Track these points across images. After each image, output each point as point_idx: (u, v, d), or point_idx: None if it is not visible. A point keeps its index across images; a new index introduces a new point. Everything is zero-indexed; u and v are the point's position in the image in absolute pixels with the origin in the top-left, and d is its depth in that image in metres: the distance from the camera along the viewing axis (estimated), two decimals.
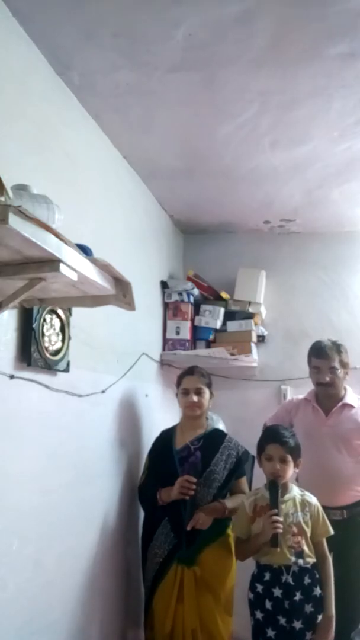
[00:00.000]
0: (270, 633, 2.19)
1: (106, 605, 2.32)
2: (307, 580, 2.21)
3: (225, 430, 2.77)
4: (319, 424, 2.73)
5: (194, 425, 2.62)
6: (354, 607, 2.52)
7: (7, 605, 1.60)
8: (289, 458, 2.29)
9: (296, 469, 2.33)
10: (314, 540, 2.27)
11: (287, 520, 2.25)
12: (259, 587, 2.25)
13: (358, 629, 2.60)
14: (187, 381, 2.62)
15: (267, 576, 2.23)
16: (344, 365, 2.76)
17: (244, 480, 2.59)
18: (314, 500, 2.31)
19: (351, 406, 2.76)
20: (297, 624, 2.17)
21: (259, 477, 2.52)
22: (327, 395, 2.78)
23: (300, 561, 2.21)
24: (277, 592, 2.20)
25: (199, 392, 2.58)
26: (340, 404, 2.76)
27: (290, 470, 2.30)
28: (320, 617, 2.20)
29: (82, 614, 2.07)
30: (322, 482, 2.46)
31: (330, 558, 2.28)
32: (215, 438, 2.60)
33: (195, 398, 2.56)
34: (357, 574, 2.53)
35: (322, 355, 2.74)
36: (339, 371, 2.73)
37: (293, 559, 2.21)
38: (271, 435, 2.36)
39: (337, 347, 2.76)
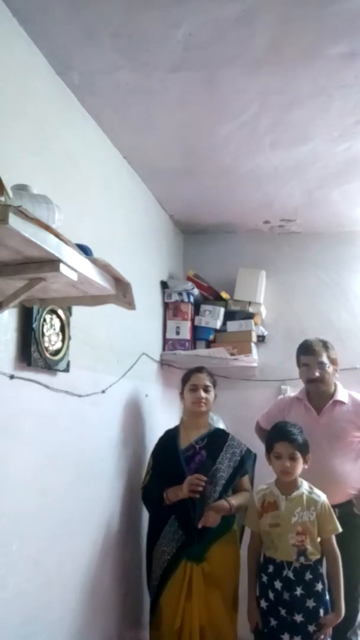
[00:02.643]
0: (273, 622, 2.25)
1: (106, 605, 2.32)
2: (308, 576, 2.23)
3: (226, 430, 2.78)
4: (311, 423, 2.72)
5: (197, 424, 2.63)
6: (350, 606, 2.52)
7: (7, 605, 1.60)
8: (298, 455, 2.31)
9: (305, 465, 2.34)
10: (321, 537, 2.28)
11: (293, 519, 2.26)
12: (264, 577, 2.31)
13: (354, 627, 2.61)
14: (196, 378, 2.64)
15: (271, 568, 2.28)
16: (333, 361, 2.77)
17: (246, 479, 2.61)
18: (321, 498, 2.32)
19: (342, 403, 2.75)
20: (298, 617, 2.21)
21: (262, 475, 2.54)
22: (318, 393, 2.77)
23: (302, 558, 2.23)
24: (278, 584, 2.24)
25: (206, 390, 2.61)
26: (331, 401, 2.75)
27: (300, 467, 2.32)
28: (322, 611, 2.23)
29: (82, 614, 2.07)
30: (315, 480, 2.45)
31: (339, 555, 2.29)
32: (218, 437, 2.61)
33: (203, 394, 2.59)
34: (351, 572, 2.53)
35: (310, 352, 2.75)
36: (328, 366, 2.73)
37: (295, 556, 2.22)
38: (279, 433, 2.37)
39: (324, 343, 2.78)
